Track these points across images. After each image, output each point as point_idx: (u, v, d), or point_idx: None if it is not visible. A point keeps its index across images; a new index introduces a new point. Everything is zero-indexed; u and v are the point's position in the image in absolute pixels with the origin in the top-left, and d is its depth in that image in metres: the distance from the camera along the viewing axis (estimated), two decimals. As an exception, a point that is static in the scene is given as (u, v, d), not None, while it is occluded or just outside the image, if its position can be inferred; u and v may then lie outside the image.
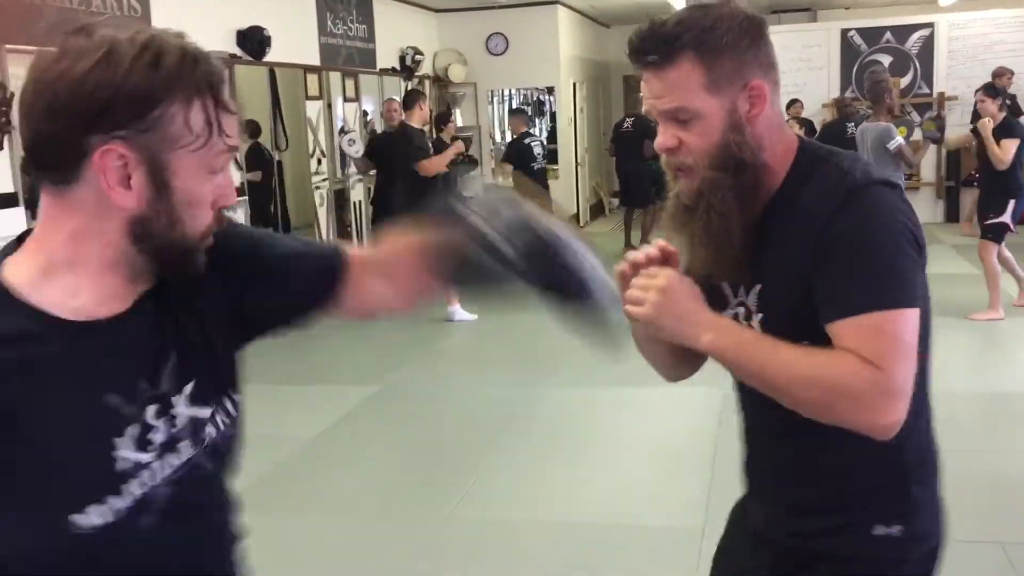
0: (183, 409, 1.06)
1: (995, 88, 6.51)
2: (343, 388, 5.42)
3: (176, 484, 1.04)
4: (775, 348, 1.23)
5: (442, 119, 9.12)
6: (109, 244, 1.01)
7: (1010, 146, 5.97)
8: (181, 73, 0.99)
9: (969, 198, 9.91)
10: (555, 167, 11.88)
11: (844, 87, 10.81)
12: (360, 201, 9.40)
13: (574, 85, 12.33)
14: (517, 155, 8.79)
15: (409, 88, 8.35)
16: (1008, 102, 5.90)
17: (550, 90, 11.87)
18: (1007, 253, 6.10)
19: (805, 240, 1.24)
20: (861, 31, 11.01)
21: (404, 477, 4.09)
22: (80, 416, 0.98)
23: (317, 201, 8.61)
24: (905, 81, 10.78)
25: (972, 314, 6.03)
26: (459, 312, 6.81)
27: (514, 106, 11.95)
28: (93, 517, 0.97)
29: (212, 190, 1.04)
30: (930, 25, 10.78)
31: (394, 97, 8.52)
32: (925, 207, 10.78)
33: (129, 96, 0.96)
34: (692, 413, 4.70)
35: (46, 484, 0.97)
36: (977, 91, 6.52)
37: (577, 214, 12.23)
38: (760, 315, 1.32)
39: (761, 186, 1.30)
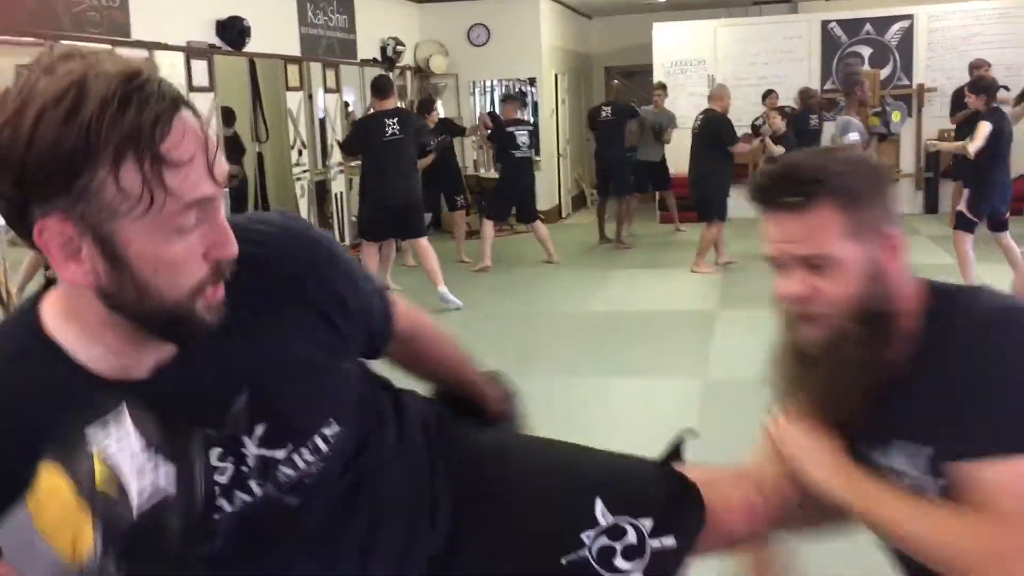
0: (252, 450, 1.01)
1: (977, 85, 6.54)
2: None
3: (245, 518, 1.02)
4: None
5: (424, 106, 9.13)
6: (98, 311, 0.91)
7: (983, 128, 5.99)
8: (100, 128, 0.82)
9: (948, 190, 10.01)
10: (538, 158, 11.89)
11: (824, 78, 10.87)
12: (341, 192, 9.38)
13: (556, 76, 12.34)
14: (499, 140, 8.84)
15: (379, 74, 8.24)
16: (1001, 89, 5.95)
17: (532, 81, 11.87)
18: (1011, 242, 6.19)
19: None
20: (841, 23, 11.05)
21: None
22: None
23: (298, 192, 8.58)
24: (885, 73, 10.84)
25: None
26: (448, 295, 6.82)
27: (501, 95, 11.97)
28: None
29: (191, 247, 0.90)
30: (909, 17, 10.84)
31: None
32: (905, 198, 10.86)
33: (42, 162, 0.82)
34: (671, 403, 4.73)
35: None
36: (965, 87, 6.58)
37: (559, 206, 12.25)
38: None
39: (894, 340, 1.24)
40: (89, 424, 0.84)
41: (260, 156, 8.22)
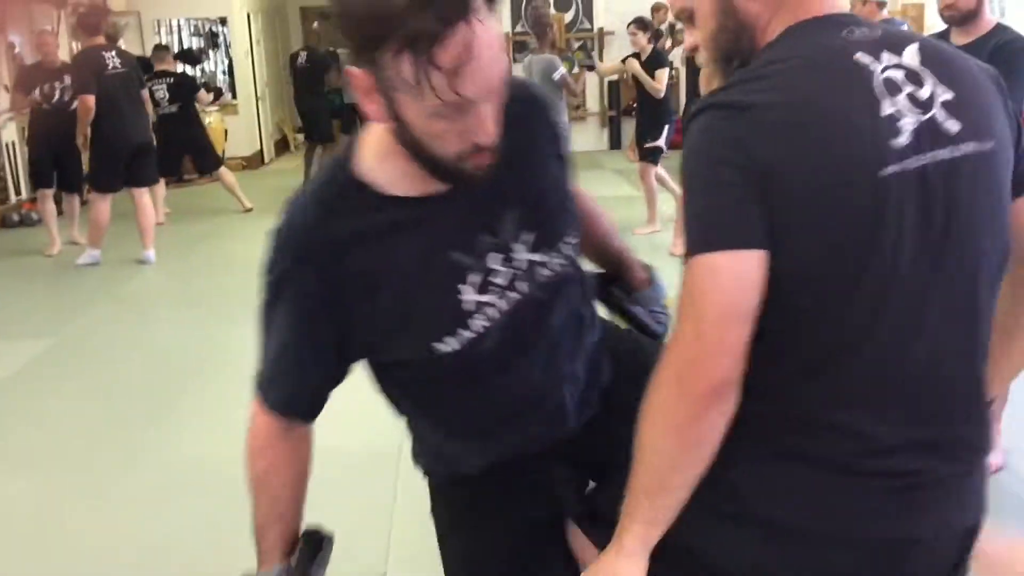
0: (522, 255, 1.26)
1: (644, 22, 7.11)
2: (14, 342, 4.99)
3: (513, 316, 1.26)
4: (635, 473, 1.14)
5: (110, 43, 8.41)
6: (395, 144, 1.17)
7: (662, 75, 6.60)
8: (400, 20, 1.00)
9: (629, 127, 10.81)
10: (235, 103, 11.43)
11: (515, 22, 11.30)
12: (14, 142, 8.53)
13: (248, 16, 11.86)
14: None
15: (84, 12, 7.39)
16: (659, 35, 6.51)
17: (223, 21, 11.33)
18: (663, 172, 6.77)
19: None
20: (528, -32, 11.51)
21: (89, 428, 3.89)
22: (429, 272, 1.21)
23: (-40, 143, 7.71)
24: (568, 17, 11.46)
25: (635, 229, 6.65)
26: (151, 255, 6.49)
27: (186, 40, 11.31)
28: (449, 345, 1.24)
29: (452, 128, 1.09)
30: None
31: (48, 30, 7.69)
32: (591, 136, 11.62)
33: (360, 32, 1.05)
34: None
35: (407, 323, 1.23)
36: (629, 25, 7.08)
37: (261, 151, 11.88)
38: None
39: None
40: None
41: (-90, 102, 7.27)
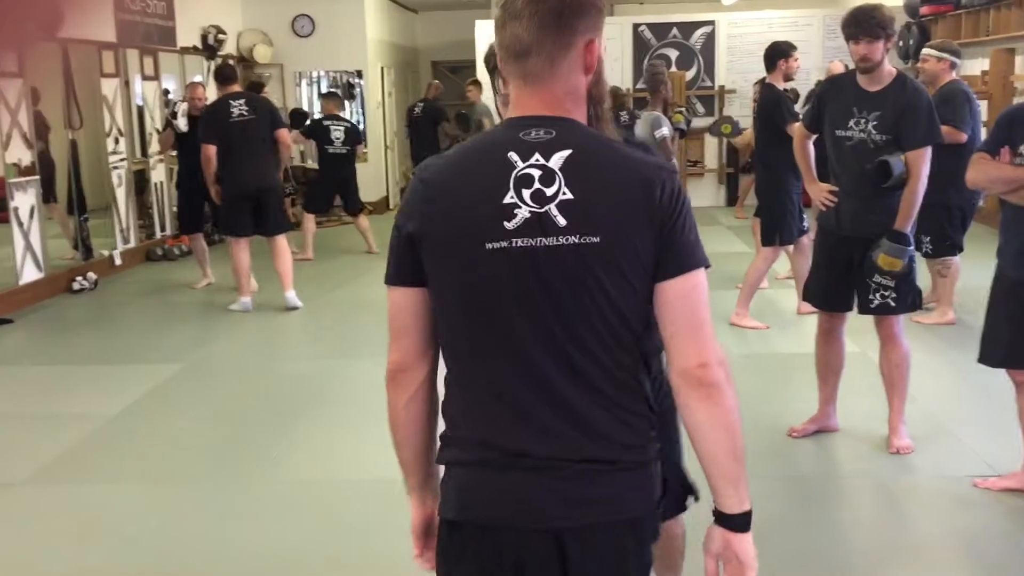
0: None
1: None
2: (146, 367, 5.43)
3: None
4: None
5: (256, 91, 9.13)
6: None
7: (749, 135, 6.64)
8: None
9: (745, 184, 10.81)
10: (365, 151, 12.00)
11: (636, 78, 11.51)
12: (162, 182, 9.22)
13: (382, 69, 12.48)
14: (313, 132, 8.83)
15: (219, 65, 8.04)
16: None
17: (359, 74, 11.97)
18: None
19: None
20: (651, 26, 11.75)
21: (210, 447, 4.21)
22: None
23: (115, 182, 8.40)
24: (690, 74, 11.62)
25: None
26: (292, 296, 6.68)
27: (324, 89, 11.99)
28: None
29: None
30: (711, 23, 11.65)
31: (199, 81, 8.34)
32: (708, 192, 11.68)
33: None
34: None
35: None
36: (755, 84, 7.16)
37: (387, 197, 12.41)
38: None
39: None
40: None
41: (74, 143, 7.99)
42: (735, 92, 11.44)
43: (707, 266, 1.40)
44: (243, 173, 6.45)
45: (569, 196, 1.36)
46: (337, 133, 8.65)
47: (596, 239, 1.35)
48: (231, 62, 7.28)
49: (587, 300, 1.37)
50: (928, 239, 5.42)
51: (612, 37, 11.79)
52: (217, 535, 3.34)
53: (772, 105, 5.67)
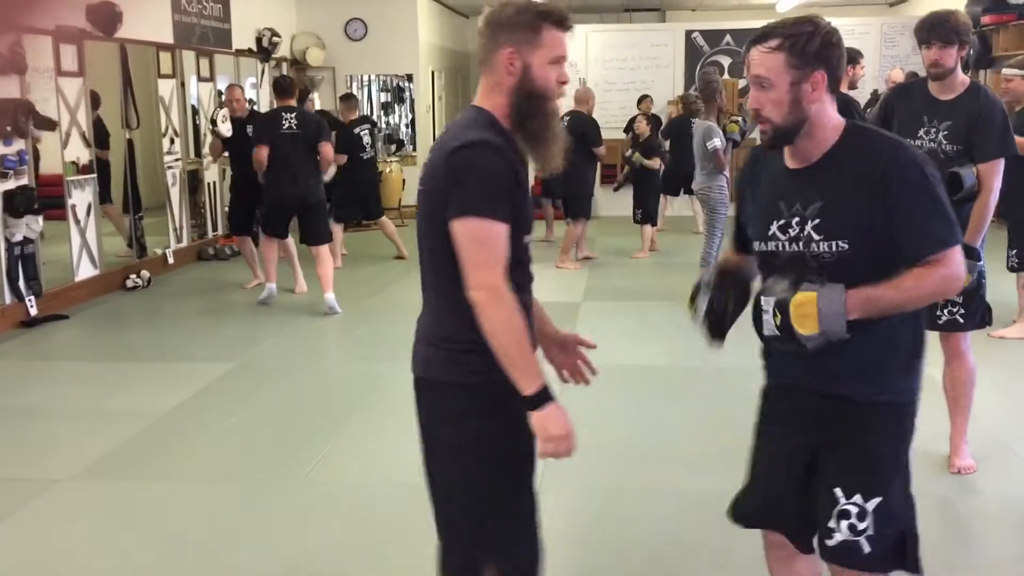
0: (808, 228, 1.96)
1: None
2: (197, 365, 5.47)
3: None
4: (893, 287, 1.85)
5: (301, 97, 9.17)
6: None
7: None
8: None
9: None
10: (414, 154, 12.05)
11: (688, 85, 11.41)
12: (215, 182, 9.32)
13: (433, 73, 12.52)
14: (348, 144, 8.42)
15: (278, 77, 8.13)
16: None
17: (409, 77, 12.02)
18: None
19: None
20: (704, 33, 11.64)
21: (261, 446, 4.22)
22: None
23: (169, 181, 8.50)
24: (743, 82, 11.47)
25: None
26: (331, 298, 6.71)
27: (375, 93, 12.06)
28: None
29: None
30: (767, 30, 11.50)
31: (238, 84, 8.36)
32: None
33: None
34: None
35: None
36: None
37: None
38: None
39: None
40: None
41: (130, 143, 8.11)
42: (789, 100, 11.28)
43: (480, 215, 1.83)
44: (284, 183, 6.67)
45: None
46: (366, 138, 8.55)
47: (429, 185, 1.95)
48: (289, 76, 7.33)
49: (425, 234, 2.01)
50: (1015, 252, 5.43)
51: (664, 44, 11.71)
52: (263, 534, 3.33)
53: (843, 110, 5.53)
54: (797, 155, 1.94)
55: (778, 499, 2.10)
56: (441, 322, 1.98)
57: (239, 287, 7.59)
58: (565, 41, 1.97)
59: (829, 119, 1.92)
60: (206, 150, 9.05)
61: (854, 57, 5.64)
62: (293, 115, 6.70)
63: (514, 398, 1.86)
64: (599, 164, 8.69)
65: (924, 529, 3.39)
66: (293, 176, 6.65)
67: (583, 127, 8.17)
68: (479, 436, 1.97)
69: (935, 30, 3.38)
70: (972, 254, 3.44)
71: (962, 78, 3.48)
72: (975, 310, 3.52)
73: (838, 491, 1.97)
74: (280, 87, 6.92)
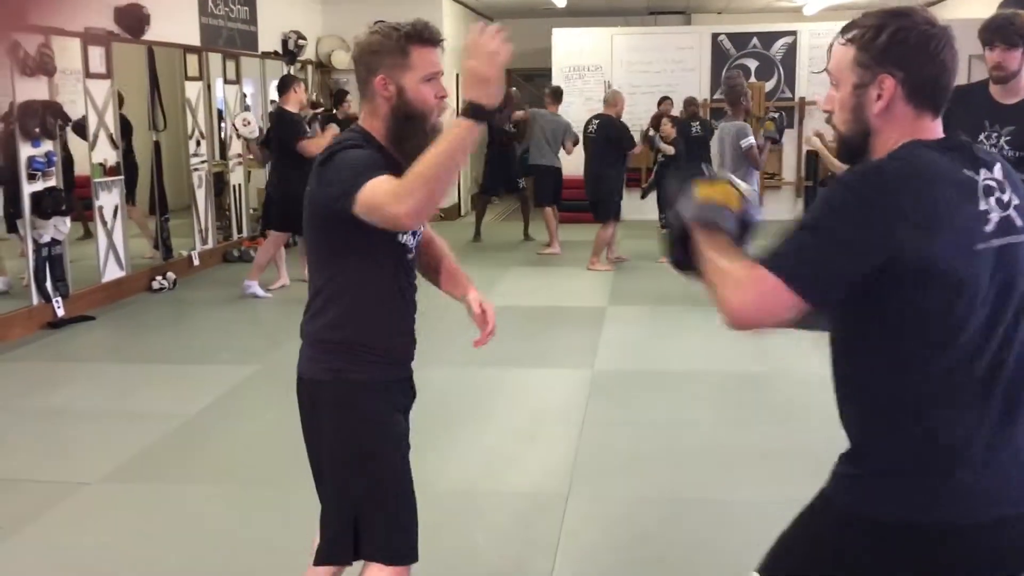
0: None
1: None
2: (224, 367, 5.47)
3: None
4: (715, 248, 1.60)
5: (339, 97, 9.27)
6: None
7: None
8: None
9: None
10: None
11: (714, 88, 11.34)
12: (240, 184, 9.34)
13: (457, 76, 12.50)
14: None
15: (288, 72, 8.34)
16: None
17: (432, 80, 12.00)
18: None
19: None
20: (730, 36, 11.56)
21: (285, 449, 4.18)
22: None
23: (195, 183, 8.53)
24: (769, 85, 11.40)
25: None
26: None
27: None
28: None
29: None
30: (793, 33, 11.42)
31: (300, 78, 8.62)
32: (785, 205, 11.43)
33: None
34: (562, 392, 4.97)
35: None
36: None
37: (459, 204, 12.42)
38: None
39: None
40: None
41: (157, 145, 8.14)
42: (815, 104, 11.18)
43: (358, 187, 1.88)
44: (298, 180, 6.75)
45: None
46: None
47: None
48: (293, 74, 7.69)
49: None
50: None
51: (690, 47, 11.64)
52: (290, 537, 3.30)
53: None
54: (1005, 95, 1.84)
55: None
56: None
57: (264, 289, 7.59)
58: (436, 57, 2.03)
59: (895, 141, 1.52)
60: (232, 151, 9.08)
61: None
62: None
63: (370, 393, 2.08)
64: (625, 167, 8.67)
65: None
66: (304, 175, 7.04)
67: (611, 131, 8.21)
68: (349, 426, 2.12)
69: (999, 32, 3.30)
70: None
71: None
72: None
73: None
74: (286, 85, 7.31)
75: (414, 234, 2.11)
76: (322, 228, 2.04)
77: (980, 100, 3.45)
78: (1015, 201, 1.50)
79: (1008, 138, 3.35)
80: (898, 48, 1.50)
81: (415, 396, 2.31)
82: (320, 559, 2.17)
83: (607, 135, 8.20)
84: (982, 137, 3.40)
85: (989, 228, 1.46)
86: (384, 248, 2.03)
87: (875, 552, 1.50)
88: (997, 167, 1.53)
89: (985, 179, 1.49)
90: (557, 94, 9.67)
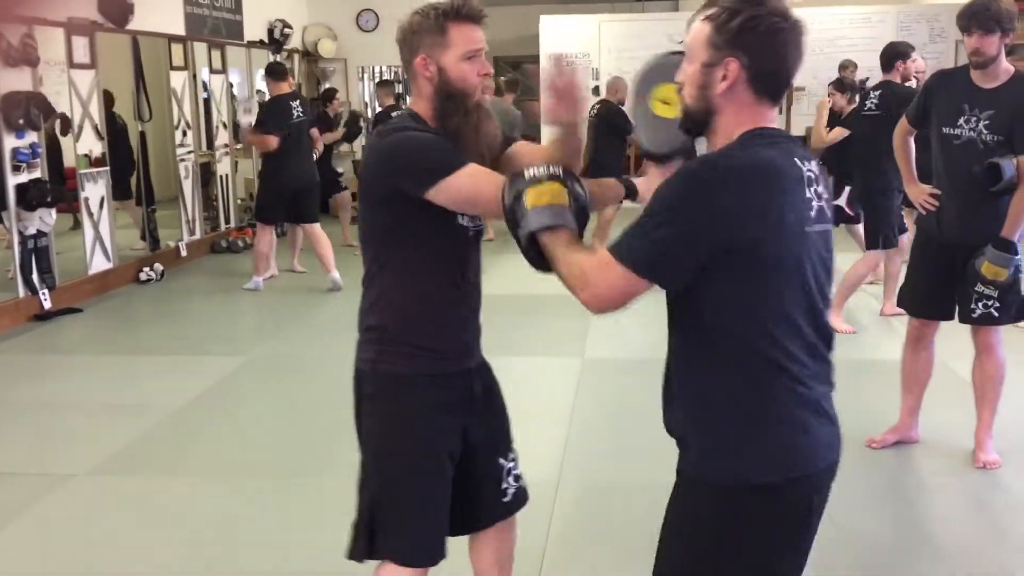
0: None
1: (843, 83, 6.99)
2: (211, 359, 5.44)
3: None
4: (564, 244, 1.66)
5: (328, 95, 9.21)
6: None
7: (837, 134, 6.44)
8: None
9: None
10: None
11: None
12: (227, 175, 9.29)
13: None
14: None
15: (275, 60, 8.24)
16: (864, 95, 6.24)
17: (421, 68, 11.94)
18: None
19: None
20: (718, 22, 11.53)
21: (278, 440, 4.19)
22: None
23: (182, 174, 8.47)
24: (758, 71, 11.37)
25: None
26: (336, 278, 6.94)
27: (386, 78, 11.99)
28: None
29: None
30: (781, 19, 11.39)
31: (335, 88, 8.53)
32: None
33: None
34: (553, 380, 4.97)
35: None
36: (829, 85, 7.01)
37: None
38: None
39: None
40: None
41: (143, 136, 8.08)
42: (804, 90, 11.18)
43: (445, 175, 1.86)
44: (297, 170, 7.02)
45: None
46: None
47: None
48: (282, 61, 7.54)
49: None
50: None
51: (679, 33, 11.59)
52: (282, 530, 3.30)
53: (907, 101, 5.06)
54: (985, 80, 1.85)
55: None
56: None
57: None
58: (477, 34, 1.96)
59: (744, 123, 1.57)
60: (219, 141, 9.03)
61: (905, 52, 5.55)
62: (297, 103, 7.08)
63: (403, 387, 2.03)
64: (628, 152, 8.74)
65: (950, 524, 3.36)
66: (298, 164, 7.03)
67: (611, 116, 8.32)
68: (379, 419, 2.10)
69: (976, 18, 3.31)
70: (1009, 248, 3.37)
71: (1006, 66, 3.39)
72: (1010, 304, 3.45)
73: None
74: (277, 72, 7.14)
75: (474, 217, 2.01)
76: (377, 209, 1.99)
77: (961, 84, 3.46)
78: (824, 195, 1.62)
79: (987, 122, 3.36)
80: (747, 35, 1.53)
81: (488, 390, 2.18)
82: (348, 552, 2.15)
83: (607, 121, 8.29)
84: (961, 121, 3.41)
85: (812, 214, 1.57)
86: (442, 233, 1.97)
87: (758, 515, 1.60)
88: (815, 162, 1.62)
89: (808, 170, 1.57)
90: (512, 84, 9.60)
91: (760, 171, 1.52)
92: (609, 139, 8.29)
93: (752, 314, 1.55)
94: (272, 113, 6.99)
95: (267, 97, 7.44)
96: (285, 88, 7.08)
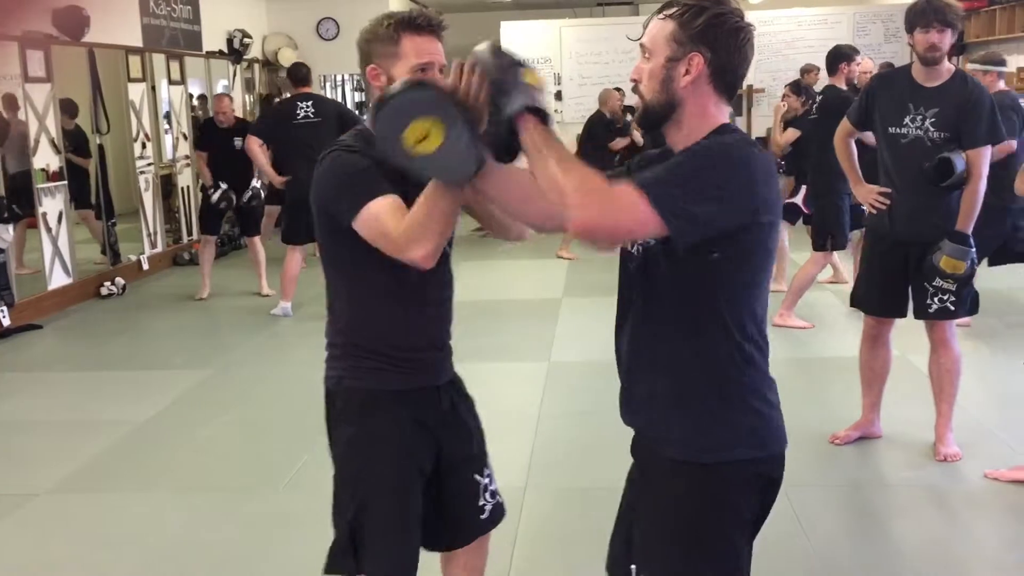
0: None
1: (799, 86, 7.07)
2: (176, 372, 5.39)
3: None
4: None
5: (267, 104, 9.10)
6: None
7: (790, 136, 6.53)
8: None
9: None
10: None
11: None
12: (188, 187, 9.21)
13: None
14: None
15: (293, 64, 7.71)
16: (813, 101, 6.31)
17: (384, 77, 11.92)
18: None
19: None
20: (677, 25, 11.62)
21: (240, 454, 4.16)
22: None
23: (142, 186, 8.39)
24: (718, 74, 11.47)
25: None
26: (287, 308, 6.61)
27: (349, 93, 11.99)
28: None
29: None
30: (739, 21, 11.51)
31: (227, 94, 8.09)
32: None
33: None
34: (519, 384, 4.97)
35: None
36: (787, 85, 7.10)
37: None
38: None
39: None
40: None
41: (101, 148, 7.98)
42: (763, 91, 11.30)
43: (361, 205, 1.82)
44: (303, 182, 6.42)
45: None
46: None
47: None
48: (305, 64, 6.86)
49: None
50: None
51: (639, 36, 11.68)
52: (243, 544, 3.27)
53: (842, 106, 5.14)
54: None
55: None
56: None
57: (211, 294, 7.49)
58: (432, 46, 1.91)
59: (709, 115, 1.63)
60: (180, 152, 8.94)
61: (849, 54, 5.61)
62: (309, 103, 6.36)
63: (369, 403, 2.00)
64: (607, 160, 8.80)
65: (911, 517, 3.41)
66: (309, 170, 6.47)
67: (591, 126, 8.89)
68: (348, 437, 2.06)
69: (939, 13, 3.35)
70: (965, 240, 3.43)
71: (947, 65, 3.47)
72: (965, 297, 3.51)
73: None
74: (297, 75, 6.58)
75: None
76: (327, 235, 1.98)
77: (903, 84, 3.51)
78: None
79: (933, 120, 3.41)
80: (711, 31, 1.58)
81: (459, 406, 2.15)
82: (326, 566, 2.10)
83: (588, 131, 8.87)
84: (907, 120, 3.46)
85: None
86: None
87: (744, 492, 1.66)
88: None
89: None
90: None
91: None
92: (587, 148, 8.64)
93: (745, 294, 1.63)
94: (264, 116, 6.79)
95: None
96: (302, 90, 6.51)
